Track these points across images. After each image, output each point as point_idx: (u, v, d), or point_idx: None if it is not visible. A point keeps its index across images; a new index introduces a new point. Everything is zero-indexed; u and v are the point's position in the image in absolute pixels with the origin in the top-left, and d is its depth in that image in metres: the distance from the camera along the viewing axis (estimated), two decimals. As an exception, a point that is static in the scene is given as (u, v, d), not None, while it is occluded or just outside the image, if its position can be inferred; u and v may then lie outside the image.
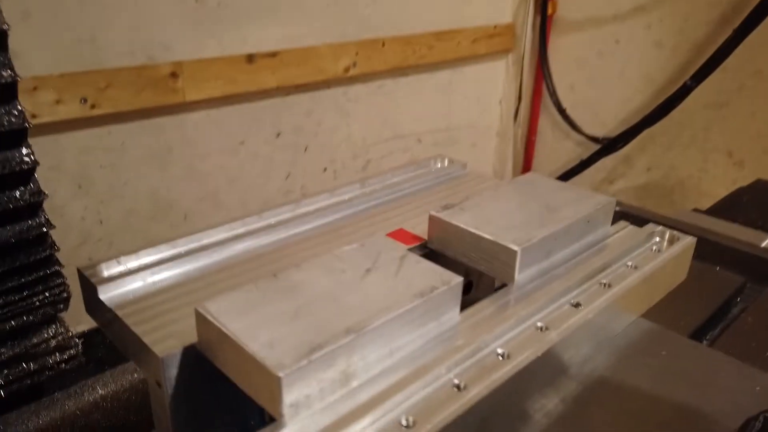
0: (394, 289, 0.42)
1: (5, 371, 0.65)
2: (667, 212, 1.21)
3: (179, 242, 0.53)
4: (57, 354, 0.69)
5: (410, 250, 0.55)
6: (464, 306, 0.46)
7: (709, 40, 1.77)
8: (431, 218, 0.54)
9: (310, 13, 1.61)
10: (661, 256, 0.54)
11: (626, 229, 0.58)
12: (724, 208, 1.27)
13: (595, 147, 2.03)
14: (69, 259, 1.38)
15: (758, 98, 1.73)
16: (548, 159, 2.29)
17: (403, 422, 0.35)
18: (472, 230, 0.51)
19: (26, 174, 0.63)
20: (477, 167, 2.33)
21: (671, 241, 0.57)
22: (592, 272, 0.51)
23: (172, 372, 0.41)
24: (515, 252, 0.48)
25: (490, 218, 0.52)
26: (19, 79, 0.59)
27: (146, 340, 0.41)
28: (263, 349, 0.36)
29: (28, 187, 0.64)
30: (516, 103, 2.26)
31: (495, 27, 2.10)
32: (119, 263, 0.50)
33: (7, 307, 0.64)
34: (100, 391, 0.68)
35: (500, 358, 0.41)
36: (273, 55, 1.55)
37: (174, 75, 1.39)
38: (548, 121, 2.24)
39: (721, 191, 1.79)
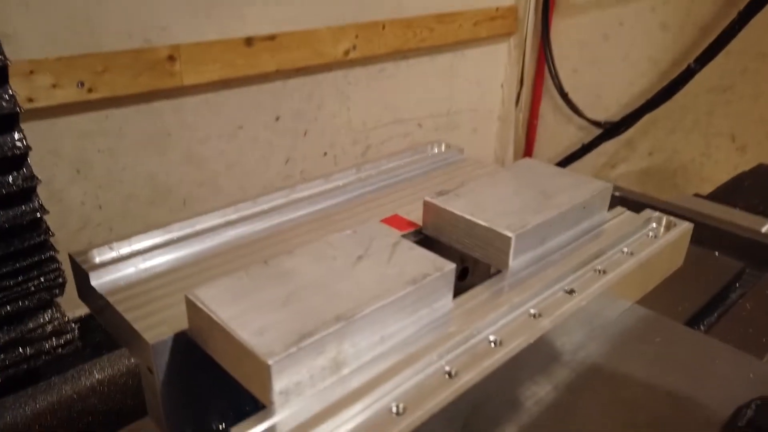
0: (386, 276, 0.42)
1: (1, 356, 0.65)
2: (668, 197, 1.20)
3: (172, 228, 0.53)
4: (53, 339, 0.69)
5: (404, 236, 0.55)
6: (461, 292, 0.45)
7: (714, 22, 1.75)
8: (426, 204, 0.54)
9: (309, -5, 1.59)
10: (657, 242, 0.54)
11: (623, 215, 0.58)
12: (725, 193, 1.26)
13: (597, 131, 2.02)
14: (69, 244, 1.38)
15: (762, 82, 1.71)
16: (550, 143, 2.27)
17: (393, 409, 0.35)
18: (467, 216, 0.50)
19: (19, 159, 0.63)
20: (478, 152, 2.31)
21: (668, 227, 0.57)
22: (587, 258, 0.50)
23: (163, 358, 0.41)
24: (509, 238, 0.48)
25: (485, 204, 0.52)
26: (9, 63, 0.58)
27: (137, 326, 0.41)
28: (253, 336, 0.35)
29: (21, 172, 0.63)
30: (518, 87, 2.25)
31: (497, 9, 2.08)
32: (111, 249, 0.49)
33: (2, 293, 0.64)
34: (96, 376, 0.69)
35: (492, 345, 0.41)
36: (272, 38, 1.54)
37: (171, 58, 1.38)
38: (550, 105, 2.22)
39: (724, 176, 1.78)
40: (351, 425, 0.34)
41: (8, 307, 0.65)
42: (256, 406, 0.49)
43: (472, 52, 2.11)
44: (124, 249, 0.50)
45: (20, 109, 0.61)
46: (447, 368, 0.38)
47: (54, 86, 1.23)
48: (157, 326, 0.41)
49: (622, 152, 2.07)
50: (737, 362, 0.44)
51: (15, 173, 0.62)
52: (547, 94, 2.22)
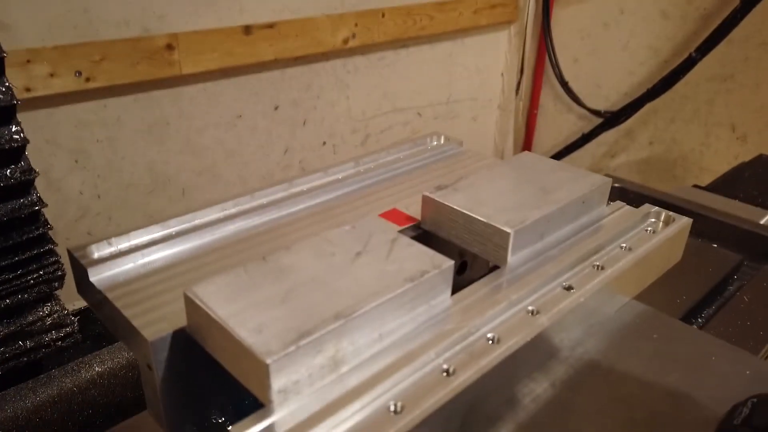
0: (385, 273, 0.42)
1: (2, 349, 0.65)
2: (668, 188, 1.20)
3: (170, 223, 0.52)
4: (53, 332, 0.69)
5: (403, 230, 0.55)
6: (459, 286, 0.45)
7: (715, 11, 1.74)
8: (424, 199, 0.54)
9: (307, -17, 1.58)
10: (655, 237, 0.54)
11: (622, 209, 0.58)
12: (725, 184, 1.26)
13: (598, 120, 2.01)
14: (68, 233, 1.38)
15: (763, 71, 1.71)
16: (550, 133, 2.27)
17: (392, 408, 0.36)
18: (466, 211, 0.50)
19: (17, 152, 0.62)
20: (477, 141, 2.31)
21: (667, 222, 0.57)
22: (586, 254, 0.50)
23: (162, 355, 0.41)
24: (508, 234, 0.48)
25: (484, 199, 0.52)
26: (5, 55, 0.58)
27: (136, 323, 0.41)
28: (251, 334, 0.36)
29: (19, 165, 0.63)
30: (518, 76, 2.23)
31: (497, -3, 2.06)
32: (110, 244, 0.49)
33: (1, 286, 0.64)
34: (96, 368, 0.69)
35: (490, 342, 0.41)
36: (270, 26, 1.53)
37: (170, 47, 1.37)
38: (550, 94, 2.21)
39: (724, 166, 1.78)
40: (349, 424, 0.35)
41: (8, 300, 0.65)
42: (255, 400, 0.49)
43: (472, 40, 2.09)
44: (123, 244, 0.50)
45: (17, 101, 0.61)
46: (445, 366, 0.38)
47: (51, 75, 1.22)
48: (156, 323, 0.41)
49: (622, 142, 2.07)
50: (734, 359, 0.44)
51: (13, 166, 0.62)
52: (548, 83, 2.21)
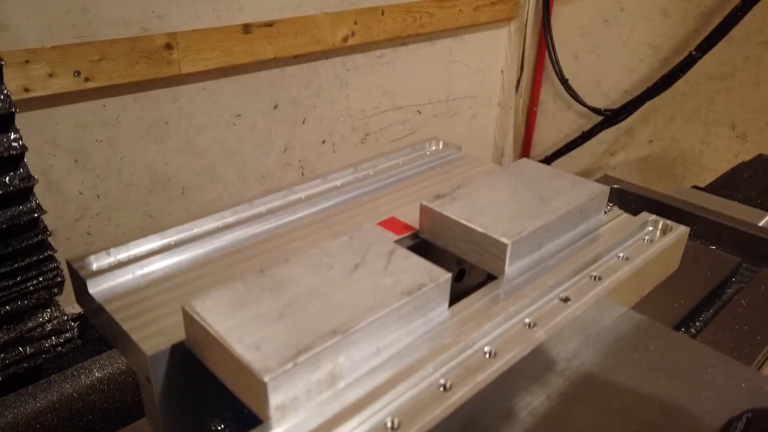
0: (382, 286, 0.42)
1: (2, 355, 0.66)
2: (667, 186, 1.20)
3: (169, 232, 0.53)
4: (53, 337, 0.69)
5: (401, 240, 0.55)
6: (456, 292, 0.46)
7: (716, 9, 1.73)
8: (422, 208, 0.54)
9: (307, -18, 1.57)
10: (653, 246, 0.54)
11: (619, 217, 0.58)
12: (724, 185, 1.26)
13: (597, 118, 2.01)
14: (68, 233, 1.38)
15: (763, 69, 1.70)
16: (550, 130, 2.26)
17: (389, 424, 0.36)
18: (463, 222, 0.50)
19: (15, 159, 0.62)
20: (477, 138, 2.31)
21: (664, 231, 0.57)
22: (583, 265, 0.51)
23: (161, 369, 0.41)
24: (506, 245, 0.48)
25: (482, 209, 0.52)
26: (3, 63, 0.58)
27: (135, 337, 0.41)
28: (249, 351, 0.36)
29: (18, 173, 0.63)
30: (518, 73, 2.23)
31: (497, -6, 2.06)
32: (108, 255, 0.49)
33: (1, 292, 0.64)
34: (96, 374, 0.69)
35: (487, 356, 0.41)
36: (270, 24, 1.52)
37: (169, 46, 1.37)
38: (550, 92, 2.21)
39: (723, 164, 1.78)
40: (346, 440, 0.35)
41: (8, 307, 0.65)
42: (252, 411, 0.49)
43: (472, 37, 2.09)
44: (122, 254, 0.50)
45: (15, 110, 0.61)
46: (442, 381, 0.39)
47: (50, 75, 1.22)
48: (155, 336, 0.42)
49: (621, 140, 2.06)
50: (730, 371, 0.44)
51: (12, 173, 0.63)
52: (548, 80, 2.20)
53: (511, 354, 0.41)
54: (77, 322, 0.72)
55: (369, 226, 0.57)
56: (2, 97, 0.60)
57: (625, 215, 0.59)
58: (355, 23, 1.70)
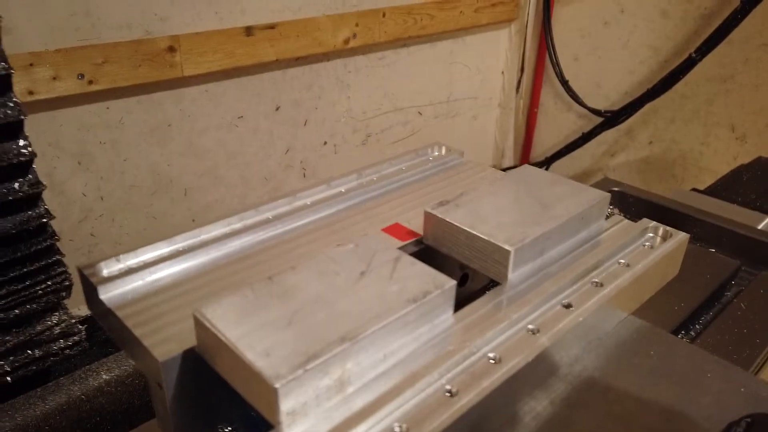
0: (388, 293, 0.43)
1: (11, 358, 0.67)
2: (667, 187, 1.21)
3: (176, 239, 0.53)
4: (61, 340, 0.70)
5: (405, 246, 0.56)
6: (460, 296, 0.46)
7: (716, 11, 1.74)
8: (426, 215, 0.54)
9: (308, -16, 1.58)
10: (653, 253, 0.55)
11: (620, 224, 0.59)
12: (723, 187, 1.27)
13: (598, 120, 2.02)
14: (71, 235, 1.39)
15: (763, 72, 1.71)
16: (550, 131, 2.27)
17: (397, 429, 0.37)
18: (467, 228, 0.51)
19: (24, 165, 0.63)
20: (478, 140, 2.31)
21: (665, 237, 0.58)
22: (585, 271, 0.51)
23: (173, 374, 0.42)
24: (509, 252, 0.49)
25: (485, 216, 0.53)
26: (12, 71, 0.59)
27: (146, 343, 0.42)
28: (260, 358, 0.37)
29: (27, 178, 0.64)
30: (518, 74, 2.24)
31: (498, -5, 2.06)
32: (118, 261, 0.50)
33: (10, 297, 0.65)
34: (104, 376, 0.70)
35: (492, 362, 0.42)
36: (272, 27, 1.53)
37: (171, 49, 1.37)
38: (550, 93, 2.22)
39: (723, 166, 1.79)
40: (355, 446, 0.36)
41: (17, 311, 0.66)
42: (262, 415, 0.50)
43: (473, 38, 2.10)
44: (131, 261, 0.51)
45: (24, 117, 0.62)
46: (448, 387, 0.40)
47: (54, 78, 1.23)
48: (166, 343, 0.42)
49: (621, 141, 2.07)
50: (729, 377, 0.45)
51: (21, 180, 0.63)
52: (548, 81, 2.21)
53: (515, 360, 0.42)
54: (85, 325, 0.73)
55: (373, 232, 0.58)
56: (12, 104, 0.61)
57: (626, 221, 0.60)
58: (357, 25, 1.71)
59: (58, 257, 0.67)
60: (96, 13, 1.26)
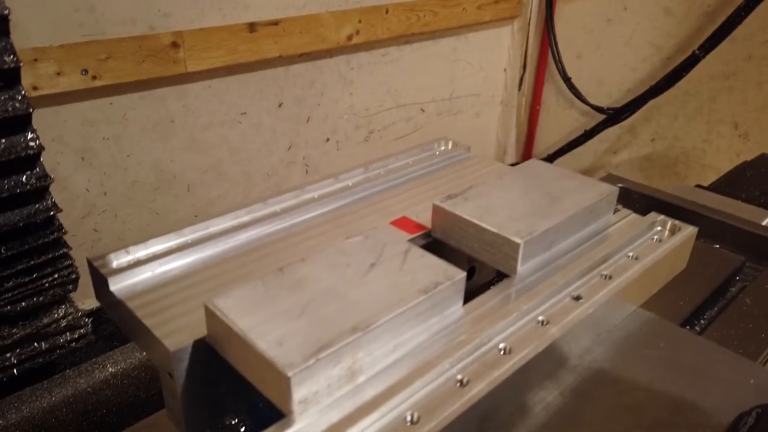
0: (398, 284, 0.43)
1: (18, 350, 0.67)
2: (670, 187, 1.21)
3: (185, 231, 0.54)
4: (68, 333, 0.70)
5: (414, 239, 0.56)
6: (467, 290, 0.46)
7: (719, 8, 1.74)
8: (435, 208, 0.55)
9: (312, -20, 1.58)
10: (662, 246, 0.55)
11: (628, 217, 0.59)
12: (727, 184, 1.27)
13: (600, 117, 2.02)
14: (75, 231, 1.39)
15: (766, 69, 1.71)
16: (552, 129, 2.27)
17: (408, 418, 0.37)
18: (476, 221, 0.51)
19: (32, 159, 0.63)
20: (480, 137, 2.31)
21: (673, 231, 0.58)
22: (593, 264, 0.51)
23: (183, 364, 0.42)
24: (518, 245, 0.49)
25: (493, 209, 0.53)
26: (21, 64, 0.59)
27: (157, 333, 0.42)
28: (272, 347, 0.37)
29: (35, 172, 0.64)
30: (521, 72, 2.24)
31: (501, -8, 2.06)
32: (128, 253, 0.50)
33: (17, 289, 0.65)
34: (110, 369, 0.70)
35: (502, 353, 0.42)
36: (275, 23, 1.53)
37: (175, 45, 1.37)
38: (553, 90, 2.22)
39: (725, 163, 1.79)
40: (368, 434, 0.36)
41: (24, 303, 0.66)
42: (270, 403, 0.50)
43: (476, 35, 2.09)
44: (140, 253, 0.51)
45: (32, 110, 0.62)
46: (459, 377, 0.40)
47: (58, 74, 1.23)
48: (177, 333, 0.42)
49: (624, 138, 2.07)
50: (738, 368, 0.45)
51: (29, 173, 0.63)
52: (550, 79, 2.21)
53: (525, 351, 0.42)
54: (91, 318, 0.73)
55: (381, 225, 0.58)
56: (20, 97, 0.61)
57: (634, 215, 0.60)
58: (360, 22, 1.71)
59: (65, 250, 0.67)
60: (100, 8, 1.26)
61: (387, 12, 1.76)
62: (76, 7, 1.23)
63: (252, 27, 1.49)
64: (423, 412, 0.37)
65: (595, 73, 2.07)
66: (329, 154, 1.82)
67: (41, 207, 0.65)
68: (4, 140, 0.60)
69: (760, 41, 1.70)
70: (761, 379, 0.44)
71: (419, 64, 1.96)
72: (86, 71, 1.26)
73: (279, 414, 0.37)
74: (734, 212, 1.02)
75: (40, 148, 0.62)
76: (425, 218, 0.58)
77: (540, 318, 0.45)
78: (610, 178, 1.15)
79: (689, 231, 0.57)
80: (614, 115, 1.95)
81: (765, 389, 0.42)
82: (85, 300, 0.89)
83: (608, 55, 2.03)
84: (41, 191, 0.64)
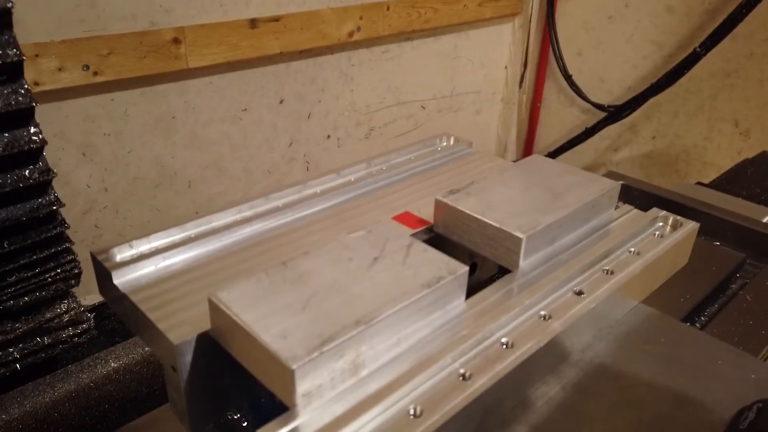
0: (401, 278, 0.43)
1: (21, 345, 0.67)
2: (670, 183, 1.21)
3: (188, 226, 0.54)
4: (70, 328, 0.70)
5: (416, 234, 0.56)
6: (468, 285, 0.46)
7: (721, 5, 1.74)
8: (437, 203, 0.55)
9: (313, -24, 1.58)
10: (663, 242, 0.55)
11: (630, 213, 0.59)
12: (728, 181, 1.27)
13: (601, 114, 2.02)
14: (76, 227, 1.39)
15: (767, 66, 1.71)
16: (553, 126, 2.27)
17: (411, 412, 0.37)
18: (478, 216, 0.51)
19: (35, 153, 0.63)
20: (481, 134, 2.31)
21: (674, 226, 0.58)
22: (595, 259, 0.52)
23: (187, 358, 0.42)
24: (520, 239, 0.49)
25: (496, 204, 0.53)
26: (24, 58, 0.59)
27: (161, 326, 0.42)
28: (276, 340, 0.37)
29: (37, 166, 0.64)
30: (522, 69, 2.24)
31: (502, -10, 2.06)
32: (131, 247, 0.50)
33: (20, 284, 0.65)
34: (112, 364, 0.71)
35: (504, 347, 0.42)
36: (276, 19, 1.53)
37: (176, 41, 1.37)
38: (554, 88, 2.22)
39: (726, 161, 1.79)
40: (371, 427, 0.36)
41: (26, 298, 0.66)
42: (273, 398, 0.51)
43: (477, 32, 2.09)
44: (144, 247, 0.51)
45: (35, 104, 0.62)
46: (461, 371, 0.40)
47: (60, 69, 1.22)
48: (181, 326, 0.43)
49: (625, 136, 2.07)
50: (739, 363, 0.45)
51: (31, 167, 0.63)
52: (551, 76, 2.21)
53: (528, 345, 0.42)
54: (93, 314, 0.73)
55: (384, 220, 0.58)
56: (23, 91, 0.61)
57: (636, 211, 0.60)
58: (361, 18, 1.70)
59: (68, 245, 0.67)
60: (101, 4, 1.26)
61: (388, 9, 1.76)
62: (77, 2, 1.23)
63: (253, 23, 1.49)
64: (426, 405, 0.37)
65: (596, 70, 2.07)
66: (330, 151, 1.82)
67: (44, 202, 0.65)
68: (7, 134, 0.60)
69: (761, 38, 1.70)
70: (762, 374, 0.44)
71: (420, 61, 1.96)
72: (87, 67, 1.26)
73: (282, 408, 0.37)
74: (735, 209, 1.02)
75: (43, 142, 0.62)
76: (427, 213, 0.58)
77: (542, 313, 0.45)
78: (610, 176, 1.15)
79: (691, 226, 0.57)
80: (615, 113, 1.95)
81: (766, 384, 0.43)
82: (88, 295, 0.89)
83: (609, 52, 2.03)
84: (44, 186, 0.64)
